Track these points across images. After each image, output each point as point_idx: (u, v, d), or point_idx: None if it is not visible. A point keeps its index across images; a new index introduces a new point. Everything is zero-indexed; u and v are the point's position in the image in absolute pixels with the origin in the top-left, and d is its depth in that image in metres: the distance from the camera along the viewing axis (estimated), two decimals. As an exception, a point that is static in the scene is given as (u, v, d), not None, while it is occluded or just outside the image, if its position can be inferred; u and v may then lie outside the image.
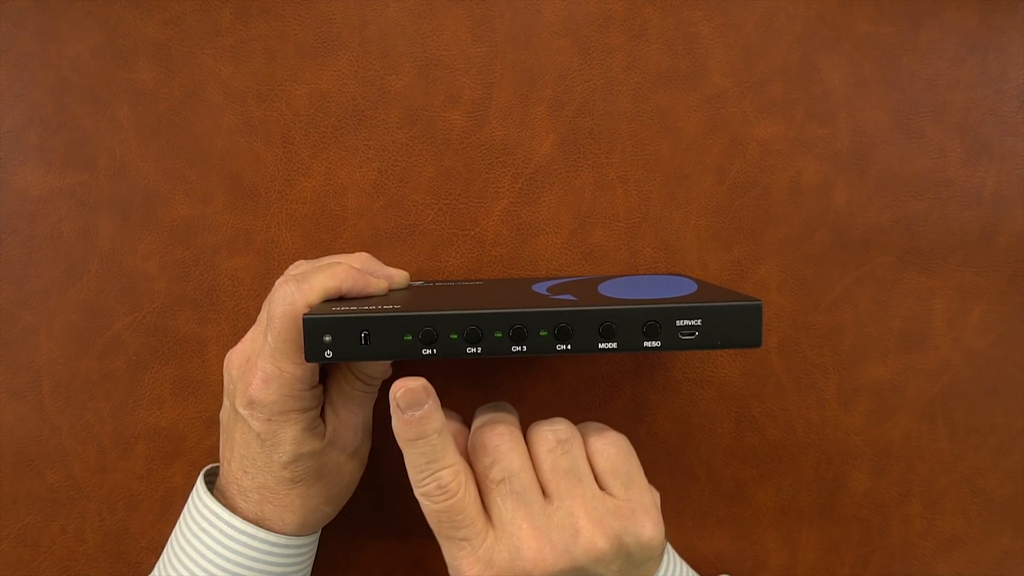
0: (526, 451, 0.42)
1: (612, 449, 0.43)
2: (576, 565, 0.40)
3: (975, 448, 0.57)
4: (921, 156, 0.55)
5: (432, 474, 0.40)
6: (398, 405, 0.40)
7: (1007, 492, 0.57)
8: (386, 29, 0.53)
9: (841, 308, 0.56)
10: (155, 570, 0.48)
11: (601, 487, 0.42)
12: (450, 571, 0.41)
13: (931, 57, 0.54)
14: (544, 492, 0.41)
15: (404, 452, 0.41)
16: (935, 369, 0.56)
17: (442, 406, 0.56)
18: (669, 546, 0.46)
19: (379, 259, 0.54)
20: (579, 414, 0.56)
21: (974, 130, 0.54)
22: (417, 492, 0.41)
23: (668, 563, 0.45)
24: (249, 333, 0.47)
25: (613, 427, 0.56)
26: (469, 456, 0.43)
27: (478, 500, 0.41)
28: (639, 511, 0.41)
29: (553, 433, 0.42)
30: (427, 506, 0.40)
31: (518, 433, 0.42)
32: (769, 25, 0.54)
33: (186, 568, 0.45)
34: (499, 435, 0.42)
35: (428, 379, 0.55)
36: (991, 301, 0.56)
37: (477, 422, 0.44)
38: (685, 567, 0.47)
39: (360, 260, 0.48)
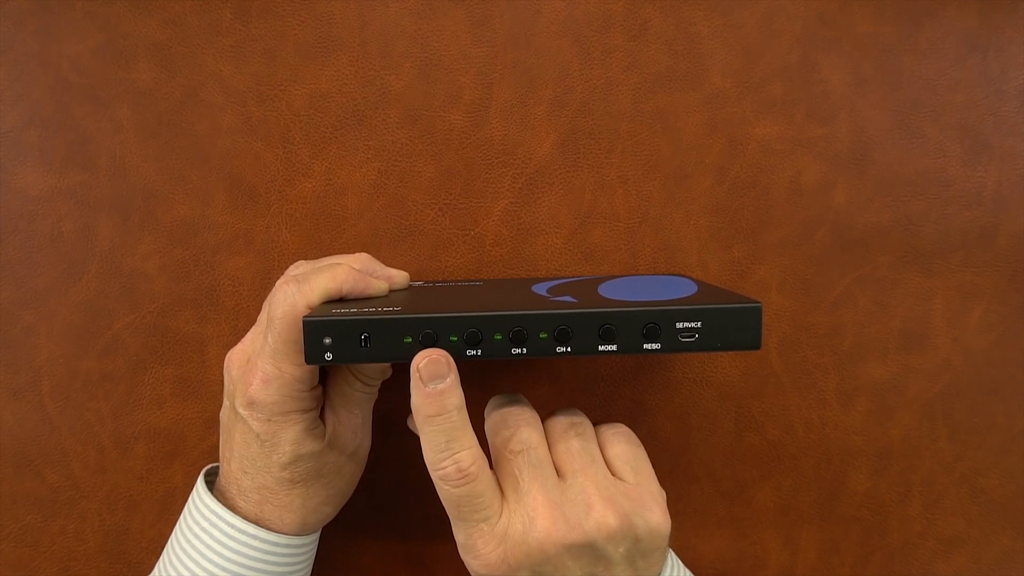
0: (543, 432, 0.43)
1: (621, 437, 0.44)
2: (587, 540, 0.40)
3: (975, 448, 0.57)
4: (921, 156, 0.55)
5: (452, 455, 0.40)
6: (420, 377, 0.40)
7: (1007, 492, 0.57)
8: (386, 29, 0.53)
9: (841, 308, 0.56)
10: (155, 570, 0.48)
11: (612, 472, 0.43)
12: (462, 550, 0.41)
13: (931, 57, 0.54)
14: (558, 472, 0.42)
15: (422, 431, 0.40)
16: (935, 369, 0.56)
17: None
18: (672, 551, 0.46)
19: (379, 259, 0.53)
20: (579, 414, 0.56)
21: (974, 130, 0.54)
22: (435, 475, 0.40)
23: (672, 566, 0.45)
24: (249, 333, 0.47)
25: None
26: (486, 433, 0.44)
27: (494, 481, 0.41)
28: (647, 496, 0.42)
29: (567, 417, 0.44)
30: (445, 490, 0.40)
31: (536, 416, 0.44)
32: (769, 25, 0.54)
33: (186, 568, 0.45)
34: (517, 413, 0.43)
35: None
36: (991, 301, 0.56)
37: (493, 405, 0.45)
38: (687, 572, 0.47)
39: (360, 261, 0.48)
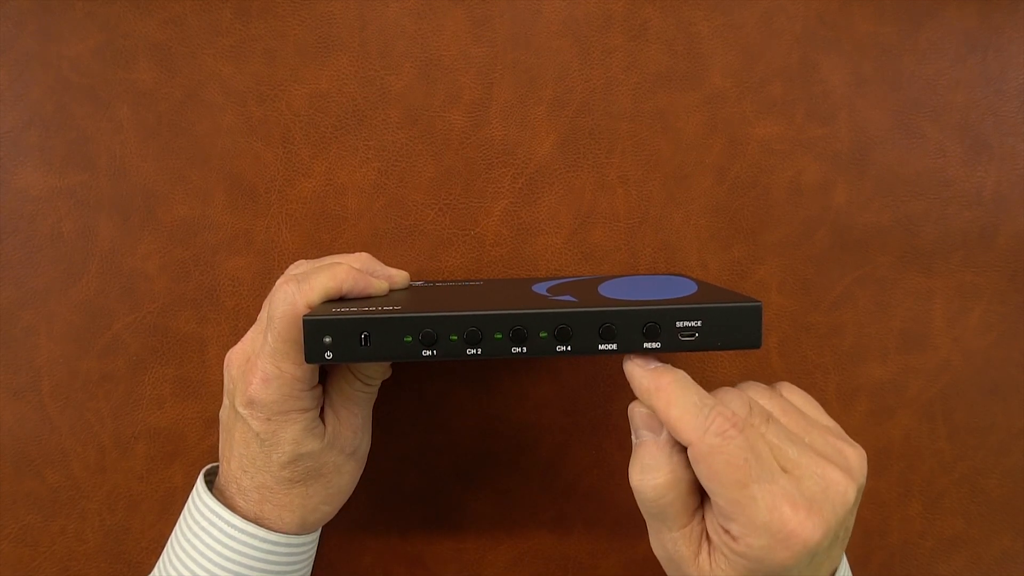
0: None
1: (797, 392, 0.44)
2: (861, 484, 0.39)
3: (975, 448, 0.57)
4: (921, 156, 0.55)
5: (712, 408, 0.38)
6: (637, 363, 0.40)
7: (1007, 492, 0.57)
8: (386, 29, 0.53)
9: (841, 308, 0.56)
10: (155, 570, 0.48)
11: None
12: (765, 531, 0.36)
13: (931, 57, 0.54)
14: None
15: (669, 403, 0.39)
16: (935, 369, 0.56)
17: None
18: None
19: (379, 259, 0.53)
20: (579, 414, 0.56)
21: (974, 130, 0.54)
22: (707, 436, 0.37)
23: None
24: (249, 333, 0.47)
25: (613, 428, 0.56)
26: (695, 425, 0.39)
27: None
28: (845, 434, 0.42)
29: (761, 387, 0.43)
30: (725, 447, 0.37)
31: None
32: (769, 25, 0.54)
33: (186, 567, 0.45)
34: (732, 390, 0.41)
35: (428, 380, 0.55)
36: (991, 301, 0.56)
37: (688, 394, 0.40)
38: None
39: (360, 260, 0.48)
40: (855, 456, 0.39)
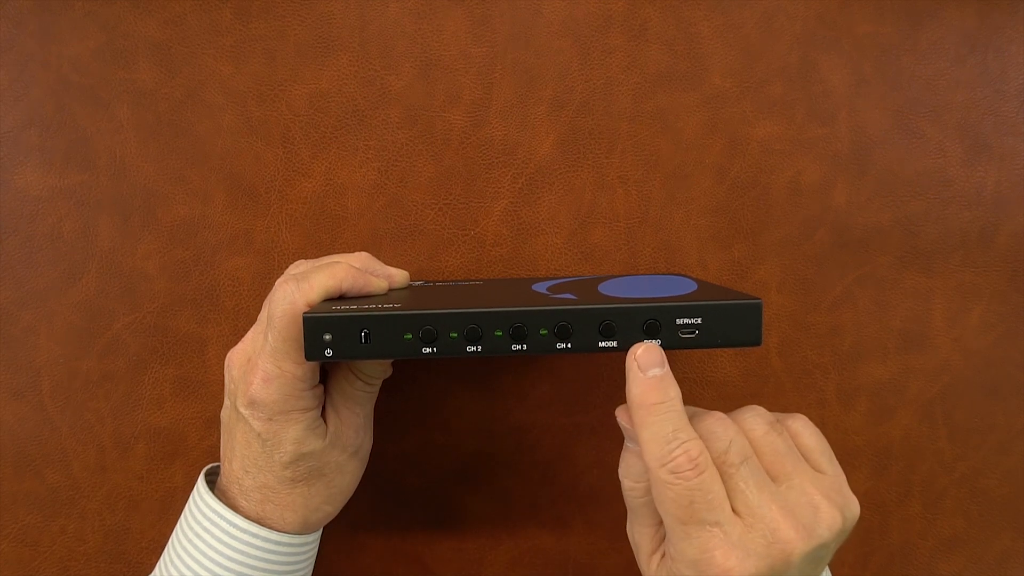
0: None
1: (809, 429, 0.42)
2: (822, 542, 0.38)
3: (975, 448, 0.57)
4: (921, 156, 0.55)
5: (681, 444, 0.38)
6: (638, 365, 0.39)
7: (1007, 492, 0.57)
8: (386, 29, 0.53)
9: (841, 308, 0.56)
10: (156, 570, 0.48)
11: (811, 466, 0.41)
12: (692, 567, 0.38)
13: (931, 57, 0.54)
14: (769, 476, 0.40)
15: (644, 423, 0.39)
16: (935, 369, 0.56)
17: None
18: None
19: (379, 259, 0.54)
20: (580, 414, 0.56)
21: (974, 130, 0.54)
22: (664, 470, 0.38)
23: None
24: (250, 333, 0.47)
25: (613, 428, 0.56)
26: None
27: (720, 479, 0.38)
28: (845, 486, 0.41)
29: (761, 418, 0.41)
30: (675, 486, 0.37)
31: (734, 422, 0.41)
32: (769, 25, 0.54)
33: (187, 568, 0.45)
34: (723, 420, 0.40)
35: (428, 379, 0.55)
36: (991, 301, 0.56)
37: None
38: None
39: (360, 259, 0.48)
40: (828, 515, 0.39)
